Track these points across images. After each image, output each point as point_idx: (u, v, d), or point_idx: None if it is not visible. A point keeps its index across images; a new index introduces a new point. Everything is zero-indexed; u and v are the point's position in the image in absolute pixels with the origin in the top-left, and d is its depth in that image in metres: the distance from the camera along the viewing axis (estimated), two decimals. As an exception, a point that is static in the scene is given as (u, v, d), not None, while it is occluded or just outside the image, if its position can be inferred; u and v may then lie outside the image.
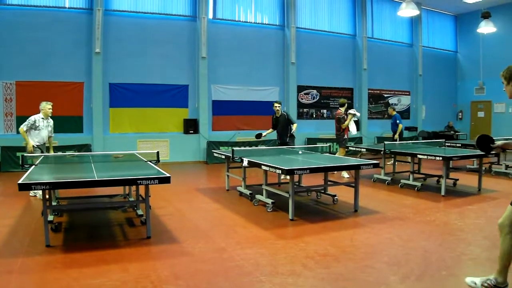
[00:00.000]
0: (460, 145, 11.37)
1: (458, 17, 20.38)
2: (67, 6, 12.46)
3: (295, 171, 6.12)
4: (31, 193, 7.99)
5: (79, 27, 12.57)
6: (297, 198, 7.51)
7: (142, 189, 5.61)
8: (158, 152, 7.10)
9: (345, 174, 10.29)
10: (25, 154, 7.01)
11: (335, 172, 10.13)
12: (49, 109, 8.38)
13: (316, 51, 16.26)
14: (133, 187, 7.00)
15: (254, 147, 11.81)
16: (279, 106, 10.22)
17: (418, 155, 8.77)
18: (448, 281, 4.00)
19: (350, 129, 11.00)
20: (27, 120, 8.16)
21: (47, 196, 5.30)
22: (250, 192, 7.84)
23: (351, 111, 10.90)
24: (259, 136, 10.20)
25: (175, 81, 13.92)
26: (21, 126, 8.13)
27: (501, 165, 10.93)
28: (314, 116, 16.41)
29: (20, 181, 4.60)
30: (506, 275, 3.55)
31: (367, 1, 17.33)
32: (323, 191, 7.89)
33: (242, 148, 9.54)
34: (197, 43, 14.03)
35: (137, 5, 13.34)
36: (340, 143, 11.10)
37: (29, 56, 11.98)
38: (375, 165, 6.95)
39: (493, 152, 4.65)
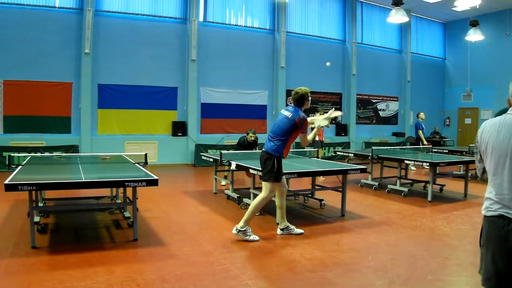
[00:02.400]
0: (447, 151, 11.49)
1: (447, 25, 20.63)
2: (57, 5, 12.35)
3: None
4: None
5: (69, 27, 12.46)
6: (285, 202, 7.51)
7: (129, 191, 5.60)
8: (146, 154, 7.09)
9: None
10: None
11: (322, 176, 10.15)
12: None
13: (305, 56, 16.30)
14: (121, 189, 6.96)
15: (243, 151, 11.75)
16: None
17: (405, 161, 8.85)
18: (434, 286, 4.04)
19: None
20: None
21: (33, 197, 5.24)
22: (238, 195, 7.83)
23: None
24: None
25: (164, 83, 13.87)
26: None
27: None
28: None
29: (6, 182, 4.57)
30: None
31: (357, 7, 17.46)
32: (310, 195, 7.92)
33: (231, 151, 9.50)
34: (187, 45, 14.00)
35: (127, 6, 13.28)
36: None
37: (18, 55, 11.82)
38: (363, 170, 7.02)
39: None
